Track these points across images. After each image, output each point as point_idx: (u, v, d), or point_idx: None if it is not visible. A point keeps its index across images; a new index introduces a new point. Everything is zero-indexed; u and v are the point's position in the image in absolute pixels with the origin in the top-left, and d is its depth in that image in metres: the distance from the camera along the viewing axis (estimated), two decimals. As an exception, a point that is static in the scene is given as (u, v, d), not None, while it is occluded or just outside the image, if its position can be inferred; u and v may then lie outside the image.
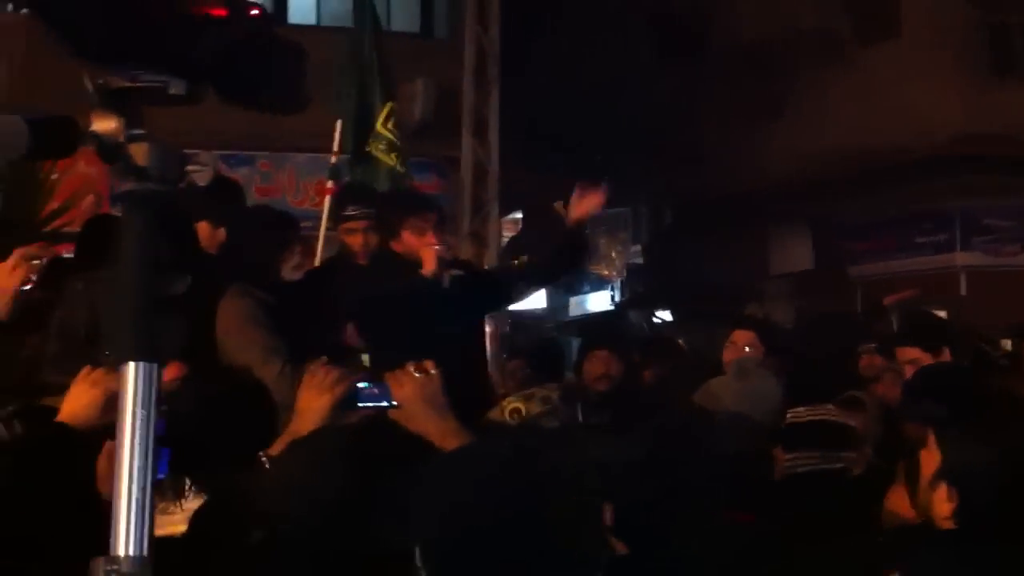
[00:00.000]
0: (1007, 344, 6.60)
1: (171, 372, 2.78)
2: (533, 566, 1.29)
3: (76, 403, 2.41)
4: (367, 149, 7.13)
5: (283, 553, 1.89)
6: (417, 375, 2.34)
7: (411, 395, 2.30)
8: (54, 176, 8.84)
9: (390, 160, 7.10)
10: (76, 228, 5.45)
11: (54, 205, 8.68)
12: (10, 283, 3.10)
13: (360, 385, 2.40)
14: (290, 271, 4.52)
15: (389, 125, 7.20)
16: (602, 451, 1.80)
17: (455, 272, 4.32)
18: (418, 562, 1.34)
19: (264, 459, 2.21)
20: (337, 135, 7.21)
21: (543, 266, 4.74)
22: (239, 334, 3.99)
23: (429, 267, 4.11)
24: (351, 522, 1.87)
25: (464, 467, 1.42)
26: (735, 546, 1.98)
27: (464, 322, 4.28)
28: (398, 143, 7.18)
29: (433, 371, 2.34)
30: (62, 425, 2.39)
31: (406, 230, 4.29)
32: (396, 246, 4.34)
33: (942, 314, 6.92)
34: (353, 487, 1.93)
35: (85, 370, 2.44)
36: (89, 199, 10.15)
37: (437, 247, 4.15)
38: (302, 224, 5.15)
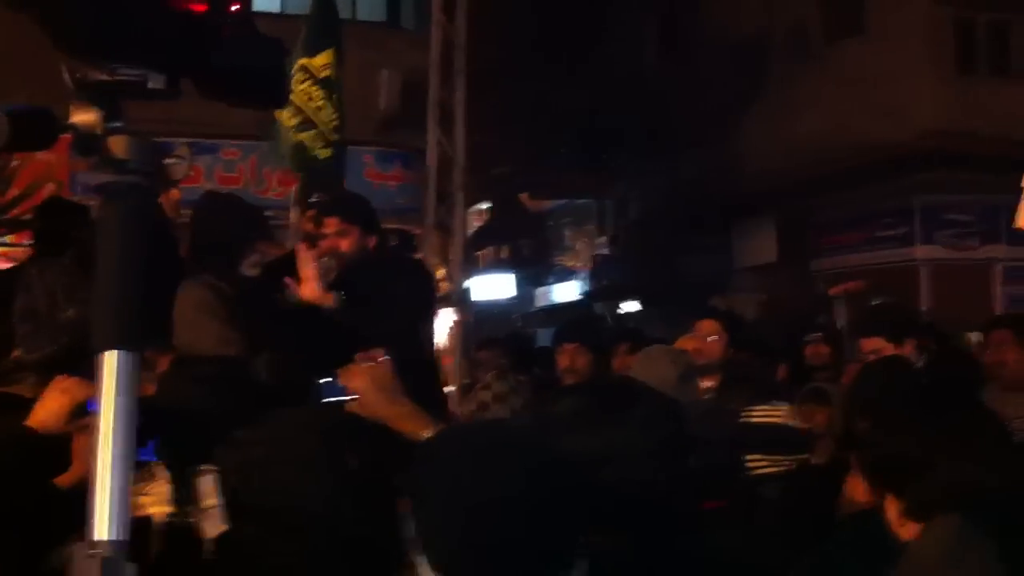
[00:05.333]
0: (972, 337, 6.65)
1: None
2: (511, 552, 1.30)
3: (46, 410, 2.43)
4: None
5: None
6: (365, 364, 2.38)
7: (362, 384, 2.34)
8: (14, 163, 8.75)
9: (290, 124, 6.20)
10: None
11: (15, 192, 8.60)
12: None
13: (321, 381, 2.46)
14: (249, 268, 4.49)
15: (303, 85, 6.24)
16: (580, 440, 1.82)
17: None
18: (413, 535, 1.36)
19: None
20: None
21: None
22: (193, 324, 3.95)
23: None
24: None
25: (448, 455, 1.44)
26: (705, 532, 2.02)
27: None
28: (315, 108, 6.21)
29: (381, 359, 2.39)
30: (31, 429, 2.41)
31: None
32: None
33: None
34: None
35: (59, 378, 2.46)
36: (50, 187, 10.02)
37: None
38: (264, 212, 5.10)
